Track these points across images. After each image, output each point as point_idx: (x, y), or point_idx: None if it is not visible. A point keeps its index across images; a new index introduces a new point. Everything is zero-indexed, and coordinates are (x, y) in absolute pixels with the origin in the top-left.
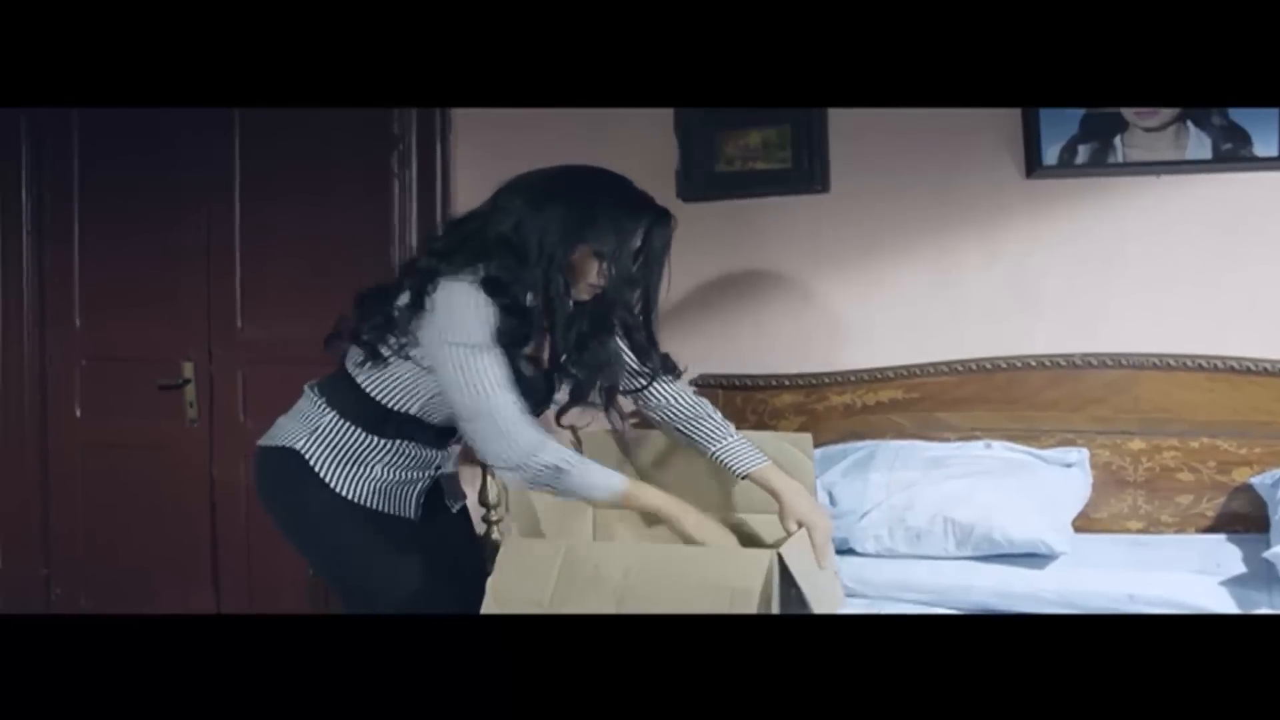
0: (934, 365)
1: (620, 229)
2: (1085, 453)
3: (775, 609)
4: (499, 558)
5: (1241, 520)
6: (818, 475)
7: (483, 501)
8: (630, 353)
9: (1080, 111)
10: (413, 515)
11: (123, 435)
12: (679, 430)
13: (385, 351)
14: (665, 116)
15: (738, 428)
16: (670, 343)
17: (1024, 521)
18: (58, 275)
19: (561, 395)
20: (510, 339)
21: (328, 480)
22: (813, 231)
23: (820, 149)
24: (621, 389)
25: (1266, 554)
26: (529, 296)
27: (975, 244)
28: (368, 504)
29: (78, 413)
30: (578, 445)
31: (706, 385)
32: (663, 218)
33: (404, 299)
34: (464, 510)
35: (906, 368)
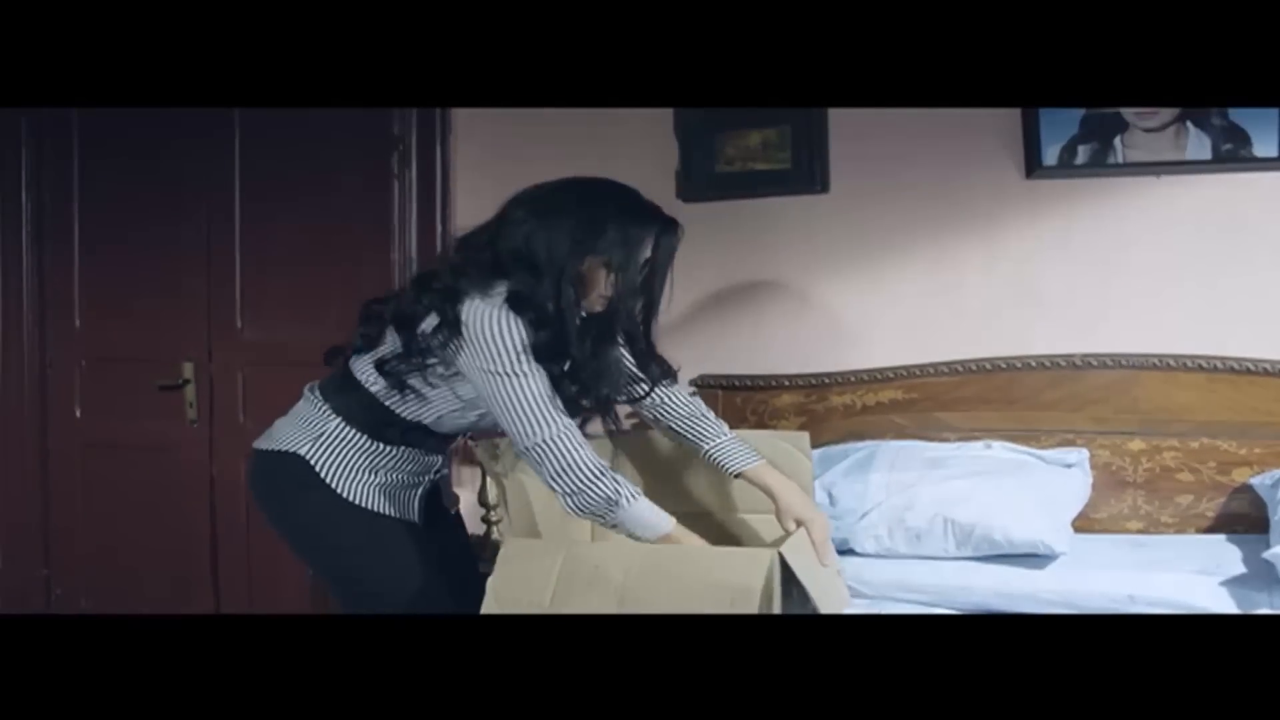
0: (934, 365)
1: (629, 239)
2: (1085, 453)
3: (776, 609)
4: (499, 559)
5: (1241, 521)
6: (818, 476)
7: (482, 501)
8: (631, 360)
9: (1080, 112)
10: (416, 518)
11: (123, 436)
12: (673, 429)
13: (415, 382)
14: (665, 117)
15: (737, 428)
16: (670, 343)
17: (1024, 522)
18: (58, 276)
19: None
20: (545, 353)
21: (334, 486)
22: (812, 232)
23: (820, 149)
24: (623, 397)
25: (1266, 554)
26: (550, 308)
27: (975, 244)
28: (374, 508)
29: (78, 413)
30: None
31: (706, 386)
32: (670, 227)
33: (430, 323)
34: (457, 512)
35: (906, 368)
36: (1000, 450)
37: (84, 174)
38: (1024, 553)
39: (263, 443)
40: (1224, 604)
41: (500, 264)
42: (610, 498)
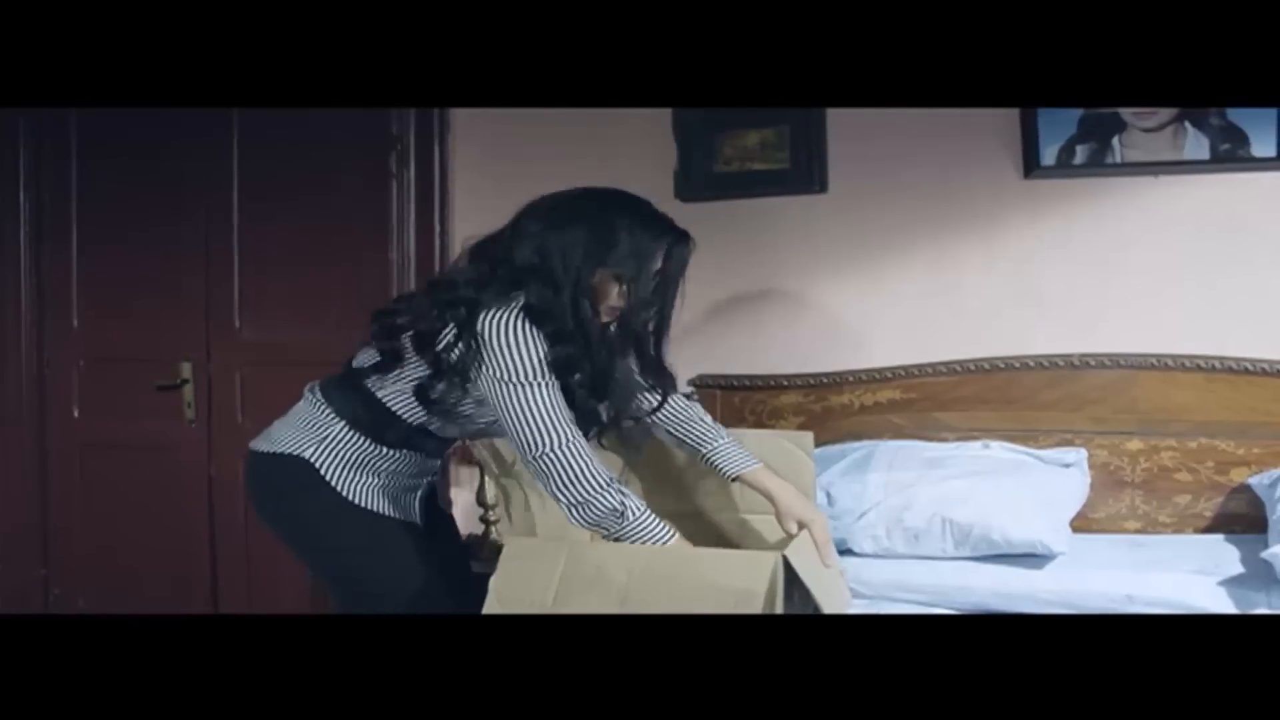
0: (932, 365)
1: (641, 251)
2: (1083, 453)
3: (779, 610)
4: (502, 558)
5: (1239, 520)
6: (816, 475)
7: (480, 501)
8: (640, 373)
9: (1078, 112)
10: (418, 519)
11: (121, 435)
12: (670, 433)
13: (463, 407)
14: (664, 117)
15: (736, 428)
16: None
17: (1022, 522)
18: (56, 275)
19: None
20: (561, 366)
21: (340, 489)
22: (811, 232)
23: (818, 149)
24: (633, 410)
25: (1264, 554)
26: (565, 321)
27: (974, 245)
28: (379, 510)
29: (76, 413)
30: None
31: (705, 386)
32: (682, 239)
33: (448, 335)
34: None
35: (905, 368)
36: (998, 450)
37: (82, 174)
38: (1022, 553)
39: (262, 444)
40: (1222, 604)
41: (515, 276)
42: (616, 509)
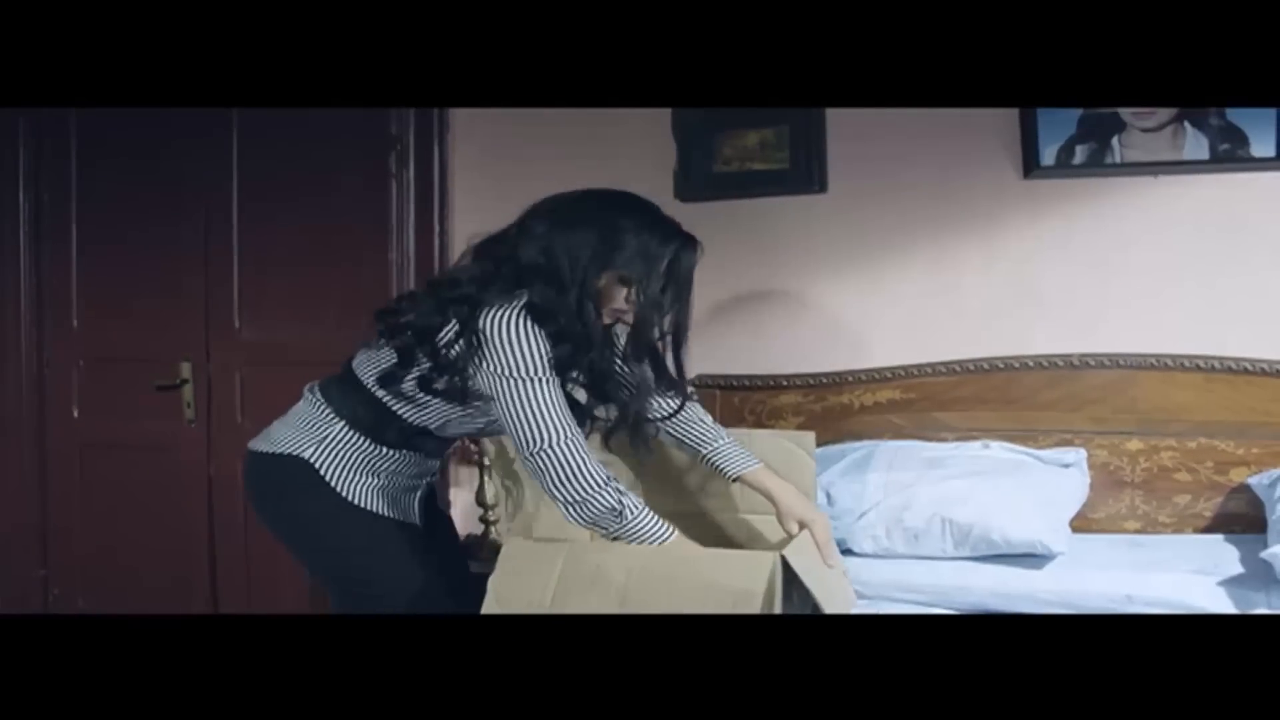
0: (932, 365)
1: (648, 254)
2: (1083, 453)
3: (778, 610)
4: (501, 558)
5: (1239, 520)
6: (816, 475)
7: (480, 501)
8: (655, 379)
9: (1077, 112)
10: (417, 520)
11: (121, 435)
12: (670, 434)
13: (454, 391)
14: (663, 117)
15: (736, 428)
16: None
17: (1022, 522)
18: (56, 276)
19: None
20: (562, 365)
21: (339, 489)
22: (810, 232)
23: (818, 149)
24: (649, 413)
25: (1264, 554)
26: (569, 322)
27: (973, 245)
28: (379, 511)
29: (75, 413)
30: None
31: (705, 386)
32: (690, 244)
33: (450, 331)
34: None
35: (904, 368)
36: (998, 450)
37: (82, 174)
38: (1022, 553)
39: (261, 445)
40: (1221, 604)
41: (519, 275)
42: (614, 508)
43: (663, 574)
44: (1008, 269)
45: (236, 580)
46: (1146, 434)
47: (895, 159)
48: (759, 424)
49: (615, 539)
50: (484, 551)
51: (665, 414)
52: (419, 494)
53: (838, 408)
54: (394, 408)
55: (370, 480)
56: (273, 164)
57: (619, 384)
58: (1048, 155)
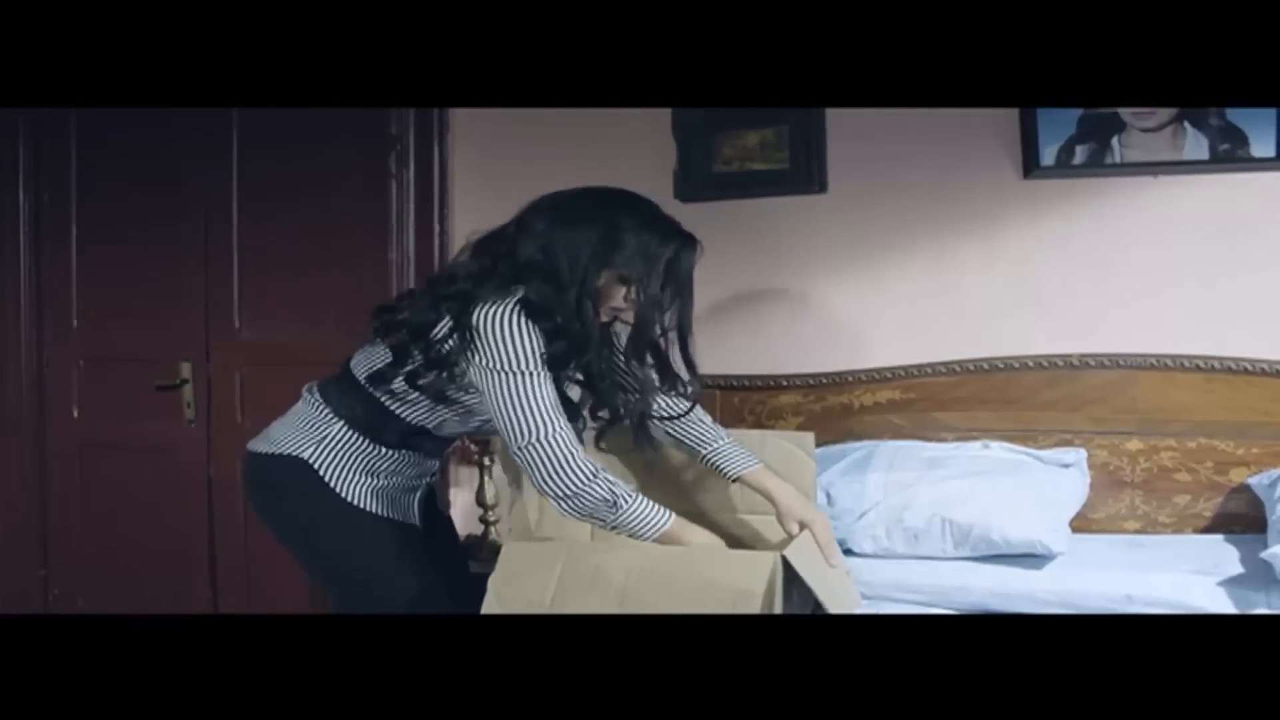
0: (932, 366)
1: (648, 254)
2: (1083, 453)
3: (778, 610)
4: (500, 558)
5: (1239, 520)
6: (816, 475)
7: (480, 502)
8: (660, 380)
9: (1077, 112)
10: (417, 521)
11: (121, 435)
12: (669, 434)
13: (452, 393)
14: (663, 117)
15: (736, 428)
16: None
17: (1021, 522)
18: (55, 276)
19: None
20: (556, 362)
21: (338, 490)
22: (810, 232)
23: (818, 149)
24: (655, 412)
25: (1264, 554)
26: (566, 320)
27: (973, 245)
28: (378, 512)
29: (75, 413)
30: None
31: (705, 386)
32: (689, 243)
33: (443, 327)
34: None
35: (904, 368)
36: (998, 450)
37: (82, 174)
38: (1021, 553)
39: (260, 445)
40: (1221, 604)
41: (517, 272)
42: (607, 499)
43: (662, 574)
44: (1008, 269)
45: (236, 580)
46: (1146, 434)
47: (895, 159)
48: (759, 424)
49: (614, 529)
50: (484, 552)
51: (675, 414)
52: (419, 494)
53: (838, 408)
54: (391, 407)
55: (369, 480)
56: (273, 164)
57: (618, 384)
58: (1048, 155)
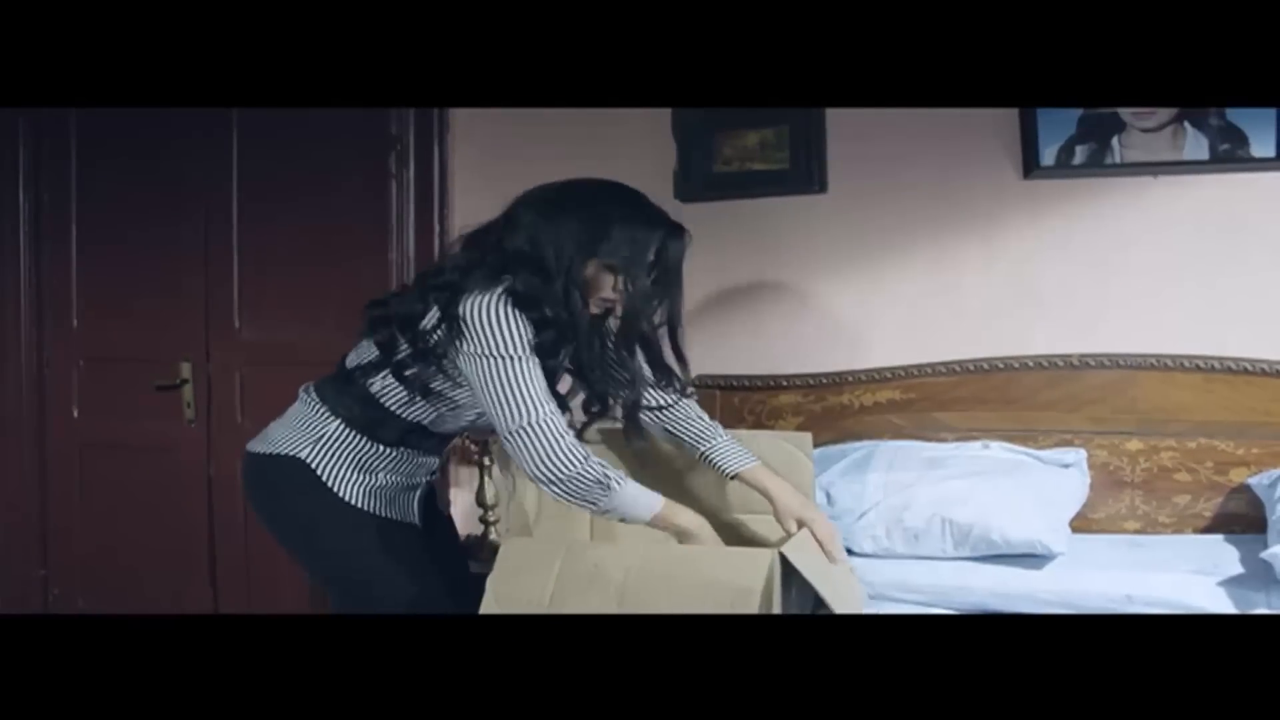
0: (932, 366)
1: (634, 243)
2: (1083, 453)
3: (776, 608)
4: (499, 557)
5: (1239, 521)
6: (815, 475)
7: (480, 502)
8: (650, 370)
9: (1077, 112)
10: (416, 520)
11: (120, 435)
12: (667, 430)
13: (437, 385)
14: (663, 117)
15: (736, 428)
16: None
17: (1021, 522)
18: (55, 275)
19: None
20: (544, 352)
21: (336, 489)
22: (810, 232)
23: (818, 150)
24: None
25: (1264, 554)
26: (554, 310)
27: (973, 245)
28: (376, 511)
29: (75, 413)
30: None
31: (704, 386)
32: (676, 232)
33: (431, 318)
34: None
35: (904, 368)
36: (998, 450)
37: (82, 173)
38: (1021, 553)
39: (258, 445)
40: (1221, 604)
41: (504, 263)
42: (600, 480)
43: (661, 572)
44: (1008, 269)
45: (236, 581)
46: (1146, 434)
47: (895, 159)
48: (759, 424)
49: (606, 514)
50: (484, 552)
51: (664, 403)
52: (418, 493)
53: (837, 408)
54: (385, 404)
55: (367, 479)
56: (273, 164)
57: (609, 375)
58: (1048, 155)
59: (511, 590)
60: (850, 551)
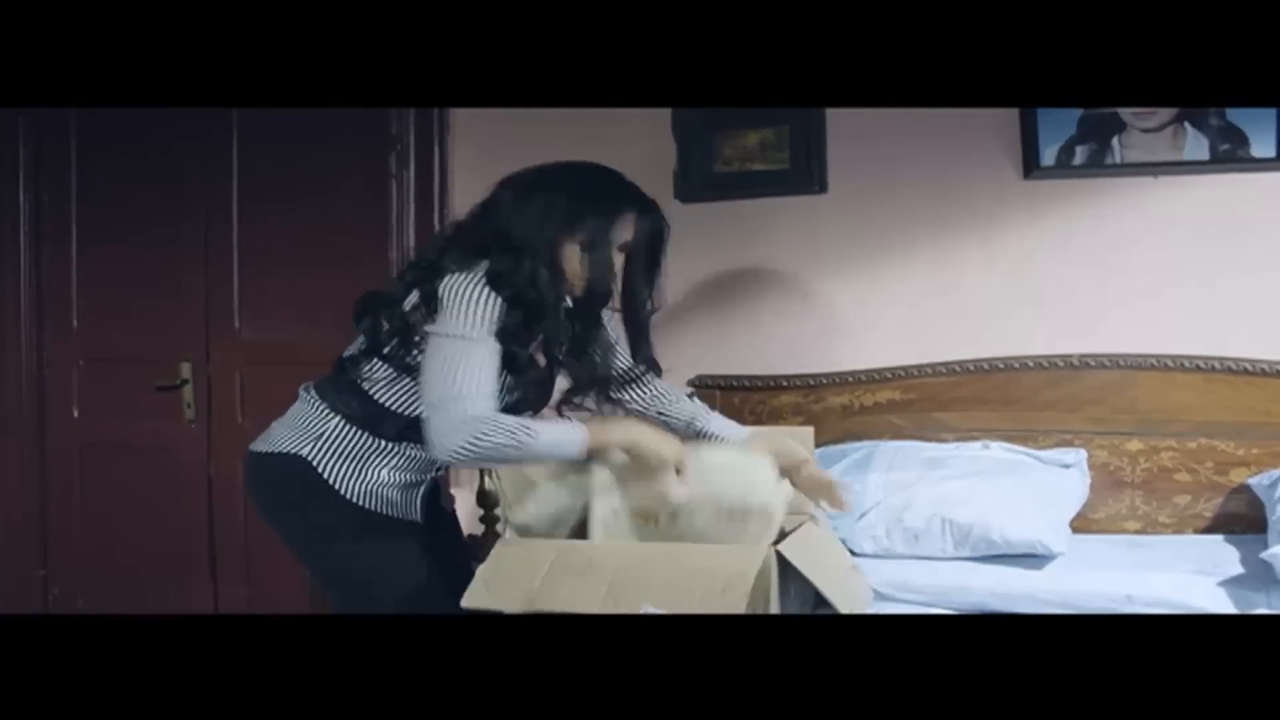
0: (932, 366)
1: (605, 219)
2: (1083, 453)
3: (774, 604)
4: (493, 552)
5: (1239, 521)
6: None
7: (481, 503)
8: (615, 349)
9: (1078, 112)
10: (418, 518)
11: (121, 436)
12: (659, 414)
13: (413, 362)
14: (663, 117)
15: None
16: (668, 343)
17: (1022, 522)
18: (56, 276)
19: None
20: (513, 333)
21: (337, 487)
22: (811, 232)
23: (818, 150)
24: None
25: (1264, 554)
26: (526, 289)
27: (973, 245)
28: (377, 509)
29: (75, 413)
30: None
31: (705, 386)
32: (646, 208)
33: (412, 300)
34: (453, 513)
35: (905, 368)
36: (998, 450)
37: (82, 174)
38: (1022, 553)
39: (260, 445)
40: (1221, 604)
41: (483, 244)
42: (513, 431)
43: (653, 561)
44: (1008, 269)
45: (236, 581)
46: (1146, 434)
47: (896, 159)
48: (759, 424)
49: (537, 461)
50: (485, 551)
51: (632, 377)
52: (422, 490)
53: (838, 408)
54: (386, 400)
55: (369, 476)
56: (273, 164)
57: (591, 359)
58: (1048, 155)
59: (501, 576)
60: (851, 552)
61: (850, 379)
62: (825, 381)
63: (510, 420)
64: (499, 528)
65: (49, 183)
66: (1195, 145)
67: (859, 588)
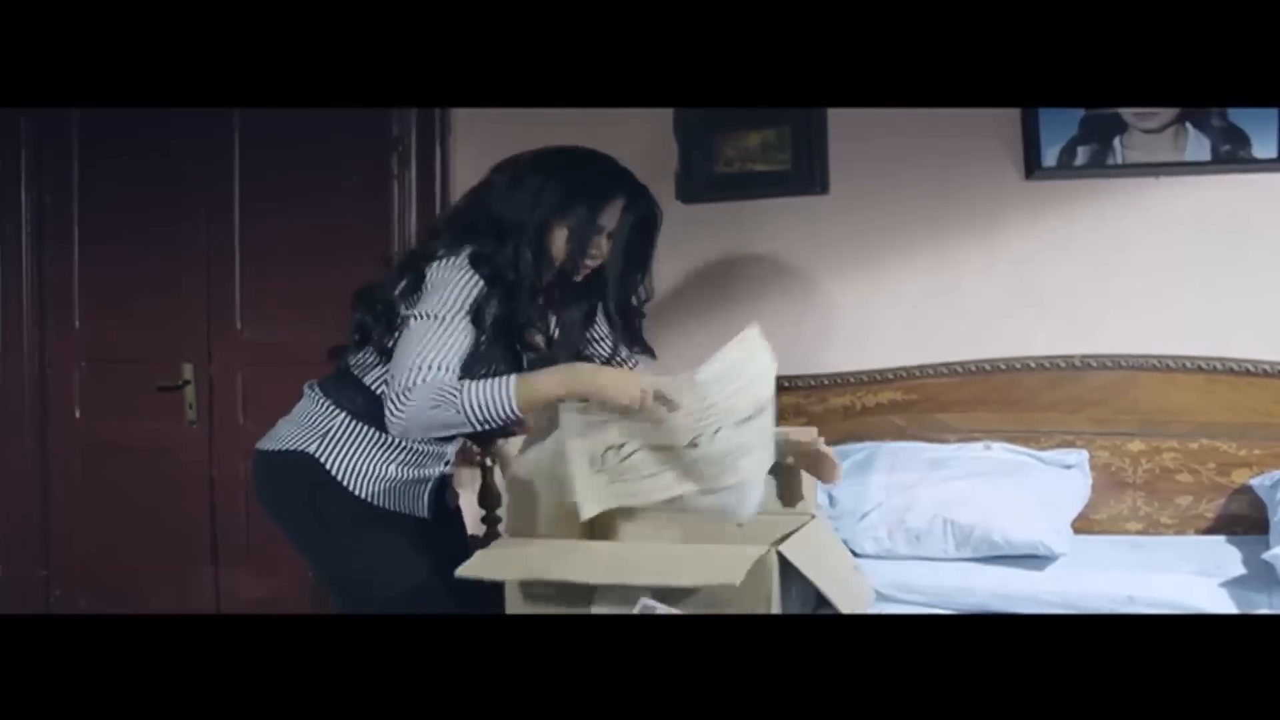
0: (933, 367)
1: (589, 201)
2: (1085, 454)
3: (775, 604)
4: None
5: (1241, 522)
6: None
7: (482, 504)
8: (608, 334)
9: (1079, 113)
10: (426, 514)
11: (122, 436)
12: None
13: (390, 346)
14: (664, 118)
15: None
16: (669, 343)
17: (1023, 523)
18: (57, 276)
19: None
20: (494, 314)
21: (344, 483)
22: (812, 233)
23: (819, 150)
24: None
25: (1266, 555)
26: (507, 271)
27: (974, 246)
28: (384, 505)
29: (77, 414)
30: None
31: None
32: (637, 193)
33: (403, 284)
34: (458, 509)
35: (906, 369)
36: (1000, 451)
37: (84, 174)
38: (1023, 554)
39: (267, 443)
40: (1223, 605)
41: (474, 226)
42: (441, 388)
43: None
44: (1009, 270)
45: (238, 581)
46: (1148, 435)
47: (897, 159)
48: None
49: (473, 421)
50: None
51: (603, 358)
52: (429, 486)
53: (839, 409)
54: (381, 392)
55: (376, 471)
56: (275, 164)
57: (576, 339)
58: (1050, 156)
59: (499, 557)
60: (853, 553)
61: (852, 380)
62: (827, 382)
63: (442, 381)
64: (500, 528)
65: (51, 183)
66: (1197, 146)
67: (861, 588)
